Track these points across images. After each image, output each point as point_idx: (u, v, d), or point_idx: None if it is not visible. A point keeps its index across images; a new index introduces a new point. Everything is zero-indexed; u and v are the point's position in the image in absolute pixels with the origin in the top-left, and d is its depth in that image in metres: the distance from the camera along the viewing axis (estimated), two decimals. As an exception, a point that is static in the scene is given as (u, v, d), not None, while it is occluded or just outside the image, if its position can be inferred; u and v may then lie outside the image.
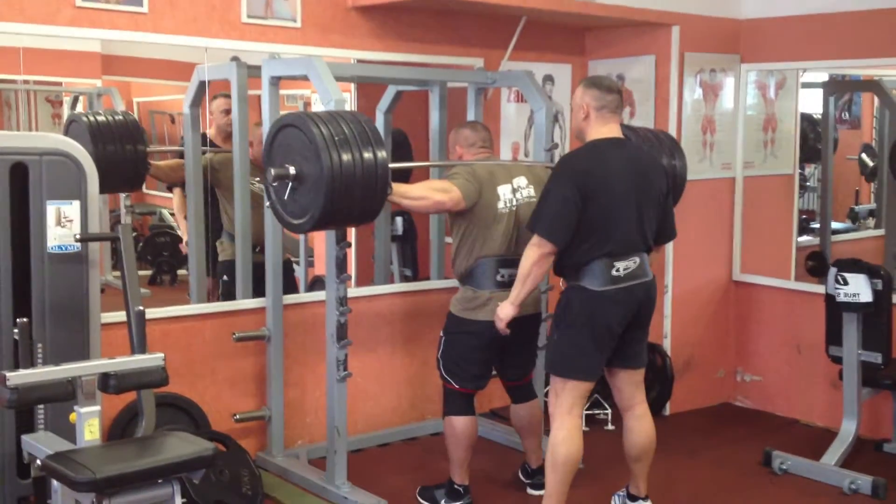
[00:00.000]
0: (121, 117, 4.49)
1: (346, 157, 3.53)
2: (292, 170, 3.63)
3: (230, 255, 4.77)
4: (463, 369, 4.08)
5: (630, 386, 3.92)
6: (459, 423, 4.06)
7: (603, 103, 3.70)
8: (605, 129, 3.72)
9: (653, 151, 4.15)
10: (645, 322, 3.84)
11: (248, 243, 4.61)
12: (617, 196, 3.64)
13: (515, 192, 4.07)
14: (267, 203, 3.91)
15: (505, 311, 3.83)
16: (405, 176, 5.11)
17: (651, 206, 3.75)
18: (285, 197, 3.71)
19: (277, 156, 3.73)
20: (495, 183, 4.04)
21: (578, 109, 3.75)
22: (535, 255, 3.65)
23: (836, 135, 6.49)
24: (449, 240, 4.50)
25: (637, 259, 3.70)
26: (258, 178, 4.31)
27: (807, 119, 6.32)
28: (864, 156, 6.90)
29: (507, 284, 3.91)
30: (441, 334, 4.16)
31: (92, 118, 4.38)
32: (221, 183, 4.76)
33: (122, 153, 4.35)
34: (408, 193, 3.96)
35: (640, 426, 3.93)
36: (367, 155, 3.58)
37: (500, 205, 4.02)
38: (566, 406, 3.71)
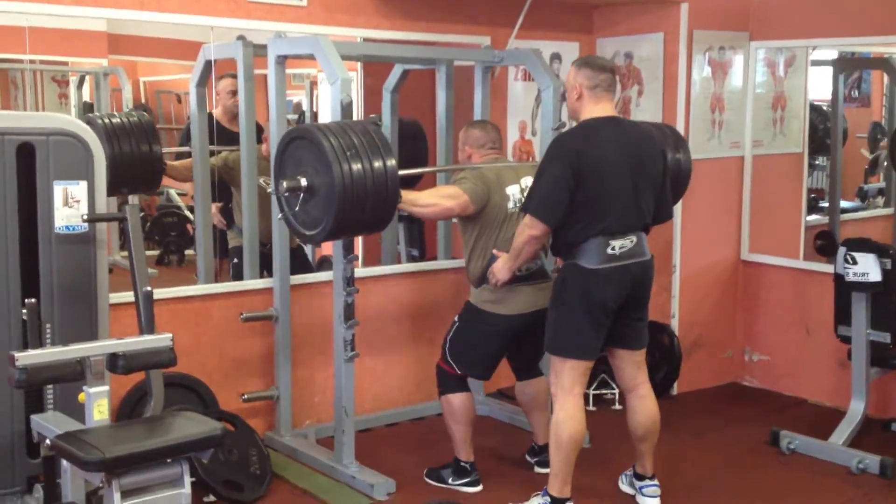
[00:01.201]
0: (135, 118, 4.50)
1: (356, 167, 3.55)
2: (304, 181, 3.65)
3: (240, 243, 4.78)
4: (471, 358, 4.11)
5: (631, 366, 3.93)
6: (457, 400, 4.10)
7: (596, 82, 3.72)
8: (598, 108, 3.73)
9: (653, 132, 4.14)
10: (643, 301, 3.84)
11: (254, 220, 4.59)
12: (612, 174, 3.65)
13: (524, 192, 4.08)
14: (279, 216, 3.92)
15: (502, 273, 3.90)
16: (416, 177, 5.13)
17: (648, 185, 3.76)
18: (296, 208, 3.73)
19: (288, 167, 3.75)
20: (504, 184, 4.08)
21: (572, 90, 3.78)
22: (525, 236, 3.72)
23: (845, 124, 6.45)
24: (455, 220, 4.50)
25: (634, 238, 3.71)
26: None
27: (816, 110, 6.30)
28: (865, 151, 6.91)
29: (525, 278, 3.99)
30: (455, 319, 4.17)
31: (107, 119, 4.38)
32: (235, 181, 4.75)
33: (138, 154, 4.36)
34: (417, 201, 4.02)
35: (643, 406, 3.95)
36: (377, 164, 3.61)
37: (510, 205, 4.07)
38: (567, 385, 3.73)
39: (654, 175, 3.79)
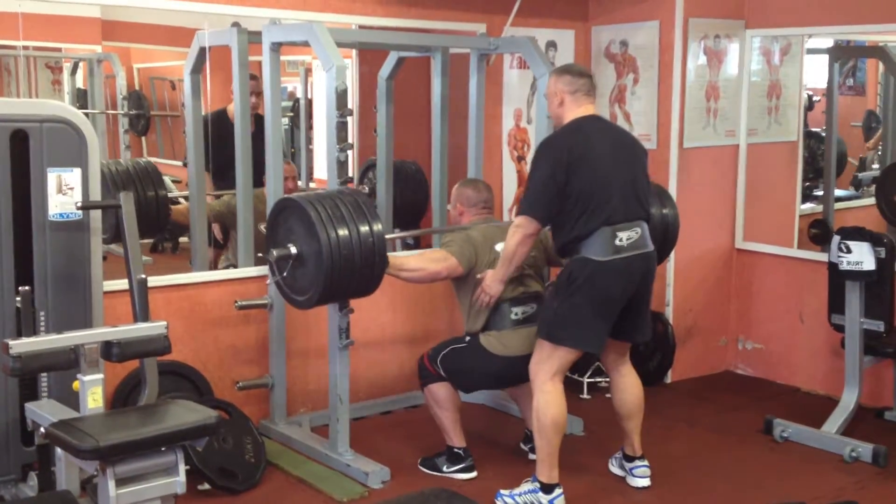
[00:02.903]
0: (141, 164, 4.57)
1: (343, 233, 3.67)
2: (293, 249, 3.76)
3: (232, 263, 4.83)
4: (462, 378, 4.15)
5: (617, 349, 4.01)
6: (440, 389, 4.13)
7: (576, 87, 3.81)
8: (580, 110, 3.82)
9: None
10: (646, 294, 3.88)
11: (249, 206, 4.58)
12: (604, 164, 3.70)
13: None
14: (269, 280, 4.08)
15: (494, 288, 3.95)
16: (419, 214, 5.32)
17: (640, 173, 3.83)
18: (285, 273, 3.83)
19: (279, 235, 3.83)
20: (492, 244, 4.14)
21: (553, 97, 3.86)
22: (518, 236, 3.78)
23: (843, 149, 6.48)
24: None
25: (639, 229, 3.75)
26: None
27: (813, 136, 6.32)
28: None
29: (523, 321, 4.06)
30: (466, 338, 4.15)
31: (113, 167, 4.43)
32: (236, 225, 4.73)
33: (144, 200, 4.39)
34: (404, 266, 4.09)
35: (626, 383, 4.03)
36: (364, 229, 3.72)
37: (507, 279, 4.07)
38: (550, 372, 3.77)
39: (643, 165, 3.87)
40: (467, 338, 4.15)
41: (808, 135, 6.14)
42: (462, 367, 4.12)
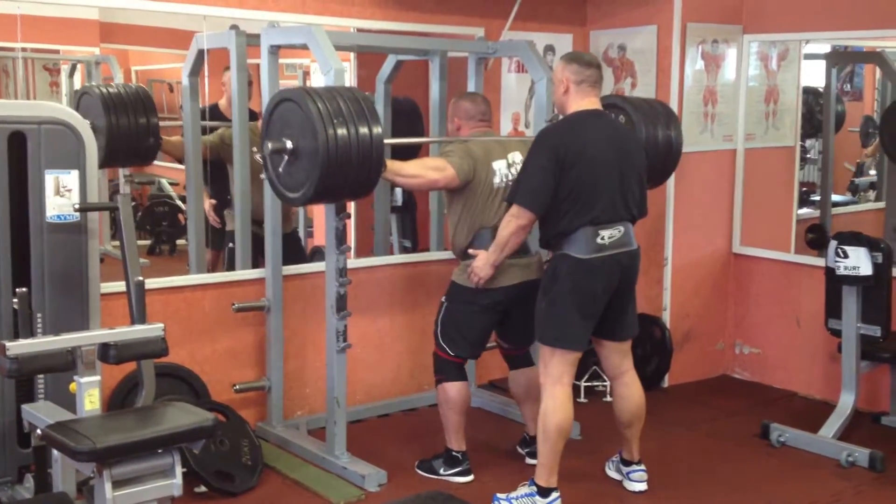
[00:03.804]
0: (133, 89, 4.48)
1: (341, 132, 3.56)
2: (289, 143, 3.67)
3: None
4: (462, 335, 4.11)
5: (617, 355, 3.99)
6: (453, 388, 4.10)
7: (582, 77, 3.79)
8: (584, 102, 3.81)
9: (647, 121, 4.17)
10: (629, 290, 3.89)
11: (247, 213, 4.59)
12: (597, 164, 3.70)
13: (511, 167, 4.12)
14: (263, 175, 3.94)
15: (484, 271, 3.93)
16: (414, 149, 5.12)
17: (633, 176, 3.83)
18: (281, 169, 3.74)
19: (275, 129, 3.76)
20: (490, 158, 4.08)
21: (559, 84, 3.84)
22: (512, 226, 3.78)
23: (841, 107, 6.45)
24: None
25: (622, 227, 3.76)
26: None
27: (811, 92, 6.30)
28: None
29: (510, 254, 3.96)
30: (442, 300, 4.18)
31: (104, 90, 4.37)
32: (232, 158, 4.72)
33: (135, 126, 4.34)
34: (401, 171, 4.02)
35: (629, 392, 4.01)
36: (363, 130, 3.62)
37: (497, 180, 4.07)
38: (555, 375, 3.76)
39: (638, 168, 3.87)
40: (443, 298, 4.15)
41: (806, 90, 6.09)
42: (454, 324, 4.09)
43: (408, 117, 5.39)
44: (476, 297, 4.04)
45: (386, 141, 3.76)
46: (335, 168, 3.56)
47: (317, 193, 3.66)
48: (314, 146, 3.55)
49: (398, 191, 5.43)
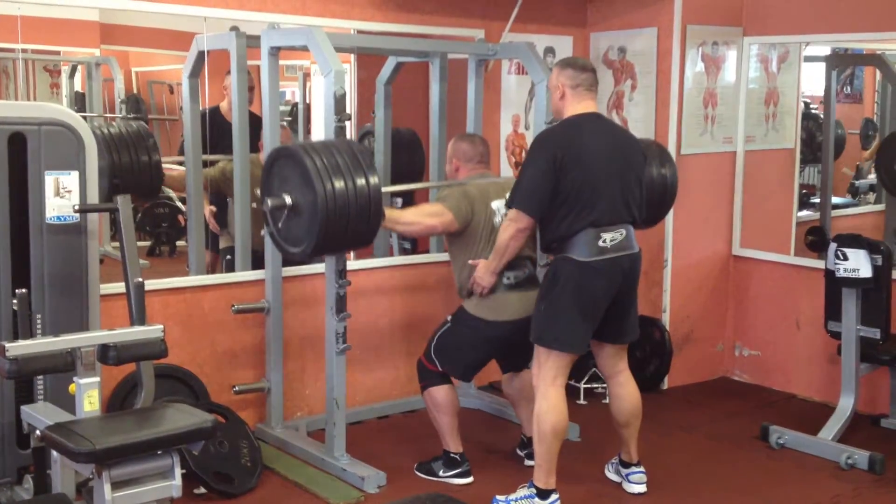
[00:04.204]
0: (134, 127, 4.52)
1: (339, 185, 3.61)
2: (288, 199, 3.71)
3: (231, 243, 4.79)
4: (459, 358, 4.13)
5: (614, 356, 4.01)
6: (439, 392, 4.12)
7: (577, 81, 3.80)
8: (581, 106, 3.81)
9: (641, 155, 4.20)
10: (631, 294, 3.89)
11: (247, 210, 4.57)
12: (596, 166, 3.71)
13: None
14: (263, 231, 4.03)
15: (485, 280, 3.96)
16: (415, 174, 5.23)
17: (633, 178, 3.83)
18: (281, 225, 3.78)
19: (274, 185, 3.79)
20: (488, 200, 4.12)
21: (555, 90, 3.85)
22: (511, 230, 3.79)
23: (841, 131, 6.47)
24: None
25: (623, 231, 3.76)
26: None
27: (812, 118, 6.31)
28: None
29: (515, 286, 4.02)
30: (448, 319, 4.17)
31: (105, 130, 4.40)
32: (232, 191, 4.70)
33: (137, 164, 4.36)
34: (400, 219, 4.09)
35: (625, 391, 4.02)
36: (360, 182, 3.66)
37: (497, 219, 4.10)
38: (550, 377, 3.76)
39: (638, 170, 3.87)
40: (449, 317, 4.14)
41: (806, 116, 6.10)
42: (454, 345, 4.10)
43: (408, 149, 5.43)
44: (482, 327, 4.05)
45: (384, 189, 3.84)
46: (334, 221, 3.61)
47: (318, 247, 3.71)
48: (313, 200, 3.59)
49: (399, 200, 5.43)
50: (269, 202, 3.73)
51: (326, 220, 3.58)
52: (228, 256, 4.89)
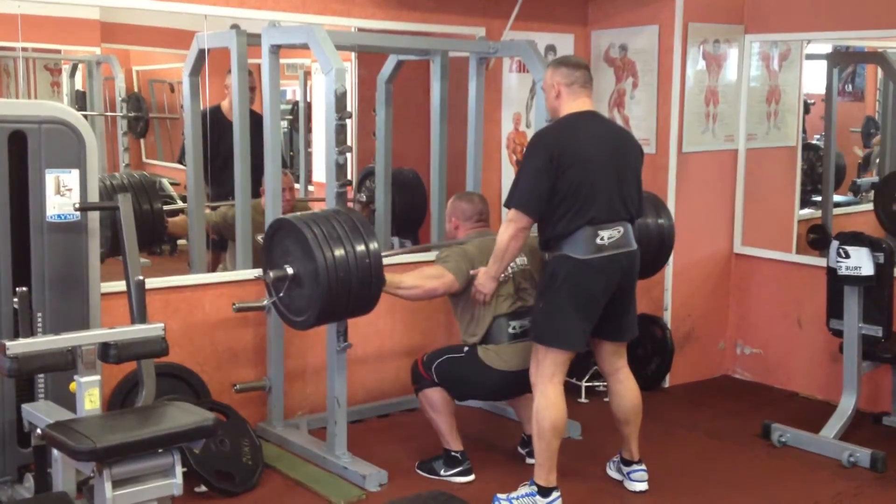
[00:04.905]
0: (136, 178, 4.56)
1: (339, 253, 3.63)
2: (290, 270, 3.73)
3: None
4: (457, 385, 4.13)
5: (613, 354, 4.01)
6: (434, 393, 4.13)
7: (572, 79, 3.81)
8: (576, 104, 3.82)
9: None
10: (630, 292, 3.89)
11: (247, 208, 4.57)
12: (593, 164, 3.71)
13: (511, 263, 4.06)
14: (265, 301, 4.08)
15: (487, 286, 3.96)
16: (419, 218, 5.33)
17: (630, 175, 3.84)
18: (282, 295, 3.80)
19: (275, 255, 3.81)
20: (488, 255, 4.08)
21: (550, 89, 3.86)
22: (511, 230, 3.78)
23: (842, 161, 6.47)
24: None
25: (621, 228, 3.76)
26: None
27: (812, 149, 6.32)
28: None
29: (520, 335, 4.03)
30: (464, 349, 4.12)
31: (108, 181, 4.42)
32: (234, 237, 4.72)
33: (140, 213, 4.36)
34: (401, 284, 4.10)
35: (624, 389, 4.02)
36: (360, 248, 3.69)
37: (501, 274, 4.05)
38: (547, 374, 3.76)
39: (634, 167, 3.88)
40: (465, 348, 4.13)
41: (807, 147, 6.12)
42: (458, 377, 4.11)
43: (409, 190, 5.45)
44: (489, 378, 4.04)
45: (386, 261, 3.88)
46: (336, 289, 3.63)
47: (321, 315, 3.72)
48: (314, 270, 3.61)
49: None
50: (272, 274, 3.76)
51: (328, 289, 3.61)
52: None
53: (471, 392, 4.23)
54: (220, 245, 5.05)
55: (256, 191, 4.62)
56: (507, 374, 4.03)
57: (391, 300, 4.95)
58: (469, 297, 4.08)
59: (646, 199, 4.33)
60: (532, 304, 4.02)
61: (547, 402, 3.75)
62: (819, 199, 6.40)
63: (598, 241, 3.69)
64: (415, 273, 4.28)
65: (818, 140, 6.53)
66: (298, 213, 3.95)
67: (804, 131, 6.18)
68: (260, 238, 3.95)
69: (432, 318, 5.04)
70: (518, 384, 4.02)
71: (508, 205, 3.78)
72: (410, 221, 5.57)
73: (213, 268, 4.95)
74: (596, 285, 3.72)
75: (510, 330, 4.06)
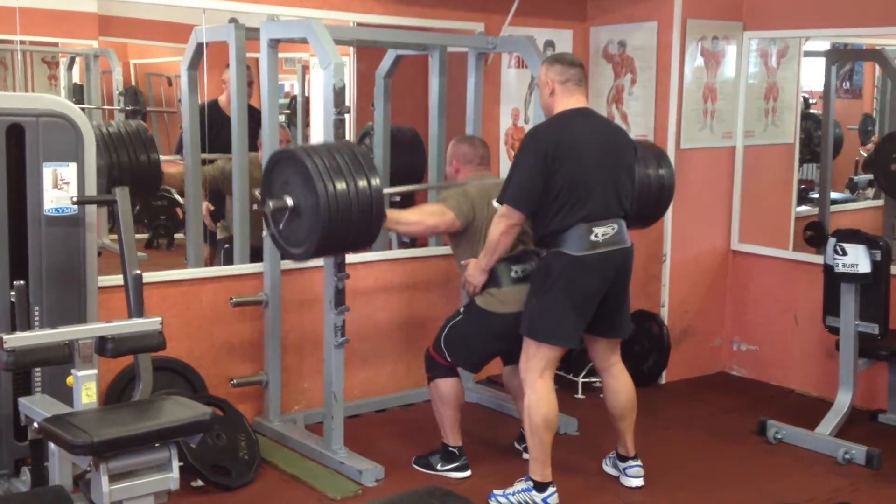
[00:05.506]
0: (133, 126, 4.50)
1: (340, 186, 3.60)
2: (290, 201, 3.70)
3: (228, 234, 4.78)
4: (468, 350, 4.12)
5: (607, 350, 4.02)
6: (445, 385, 4.11)
7: (567, 77, 3.81)
8: (571, 101, 3.82)
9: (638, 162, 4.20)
10: (624, 288, 3.89)
11: (245, 203, 4.57)
12: (587, 161, 3.72)
13: None
14: (265, 232, 4.00)
15: (477, 278, 3.96)
16: (417, 175, 5.22)
17: (624, 173, 3.84)
18: (282, 227, 3.77)
19: (275, 186, 3.78)
20: (489, 199, 4.10)
21: (544, 86, 3.87)
22: (503, 225, 3.79)
23: (839, 131, 6.46)
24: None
25: (615, 225, 3.77)
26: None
27: (811, 118, 6.31)
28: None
29: (523, 279, 3.99)
30: (460, 310, 4.16)
31: (104, 129, 4.38)
32: (231, 190, 4.70)
33: (136, 163, 4.35)
34: (401, 219, 4.09)
35: (619, 384, 4.03)
36: (362, 184, 3.66)
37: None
38: (538, 369, 3.78)
39: (629, 164, 3.88)
40: (461, 308, 4.14)
41: (805, 116, 6.10)
42: (464, 337, 4.09)
43: (408, 148, 5.42)
44: (494, 322, 4.03)
45: (385, 190, 3.83)
46: (336, 223, 3.61)
47: (319, 248, 3.70)
48: (314, 202, 3.59)
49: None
50: (271, 204, 3.73)
51: (328, 222, 3.58)
52: (227, 246, 4.87)
53: (481, 348, 4.13)
54: (214, 240, 5.04)
55: (254, 144, 4.61)
56: (508, 316, 3.99)
57: (388, 296, 4.97)
58: (469, 237, 4.07)
59: (647, 149, 4.38)
60: (533, 248, 4.03)
61: (537, 398, 3.76)
62: (816, 196, 6.42)
63: (593, 237, 3.70)
64: (416, 209, 4.28)
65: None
66: (300, 144, 3.91)
67: (806, 104, 6.15)
68: (257, 192, 3.91)
69: (430, 314, 5.04)
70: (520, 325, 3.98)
71: (501, 200, 3.79)
72: (409, 171, 5.53)
73: (210, 262, 4.95)
74: (590, 282, 3.73)
75: (512, 274, 4.02)
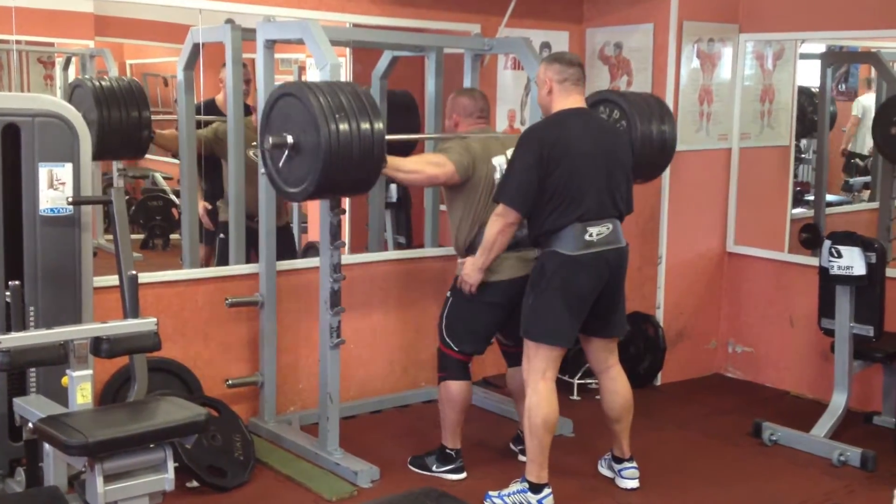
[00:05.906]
0: (125, 83, 4.44)
1: (343, 127, 3.54)
2: (290, 138, 3.64)
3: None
4: (467, 331, 4.09)
5: (604, 351, 4.02)
6: (455, 387, 4.09)
7: (565, 76, 3.81)
8: (568, 101, 3.82)
9: (640, 116, 4.20)
10: (618, 288, 3.89)
11: (241, 208, 4.58)
12: (583, 162, 3.72)
13: None
14: (262, 170, 3.92)
15: (473, 277, 3.94)
16: (409, 146, 5.09)
17: (620, 173, 3.84)
18: (280, 165, 3.71)
19: (274, 124, 3.73)
20: (490, 154, 4.07)
21: (542, 85, 3.86)
22: (499, 224, 3.79)
23: (833, 108, 6.47)
24: (443, 207, 4.47)
25: (610, 225, 3.78)
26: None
27: (804, 93, 6.31)
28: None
29: (512, 246, 3.94)
30: (448, 295, 4.15)
31: (97, 83, 4.33)
32: (226, 153, 4.70)
33: (128, 119, 4.30)
34: (402, 166, 4.01)
35: (615, 386, 4.03)
36: (365, 126, 3.60)
37: (497, 176, 4.05)
38: (539, 370, 3.77)
39: (625, 164, 3.89)
40: (448, 292, 4.13)
41: (800, 91, 6.10)
42: (461, 320, 4.08)
43: (404, 111, 5.38)
44: (480, 293, 4.01)
45: (388, 137, 3.75)
46: (336, 163, 3.55)
47: (318, 189, 3.63)
48: (316, 141, 3.53)
49: (393, 187, 5.42)
50: (270, 140, 3.66)
51: (329, 161, 3.52)
52: (223, 235, 4.83)
53: (481, 321, 4.08)
54: (210, 239, 5.03)
55: (247, 110, 4.60)
56: (501, 285, 3.98)
57: (384, 297, 4.96)
58: (467, 193, 4.02)
59: (651, 104, 4.37)
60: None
61: (539, 399, 3.76)
62: (812, 198, 6.43)
63: (587, 237, 3.70)
64: (416, 157, 4.22)
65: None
66: (304, 81, 3.83)
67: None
68: (252, 154, 3.86)
69: (426, 315, 5.04)
70: (516, 295, 3.93)
71: (497, 199, 3.79)
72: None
73: (206, 262, 4.94)
74: (584, 281, 3.73)
75: None
